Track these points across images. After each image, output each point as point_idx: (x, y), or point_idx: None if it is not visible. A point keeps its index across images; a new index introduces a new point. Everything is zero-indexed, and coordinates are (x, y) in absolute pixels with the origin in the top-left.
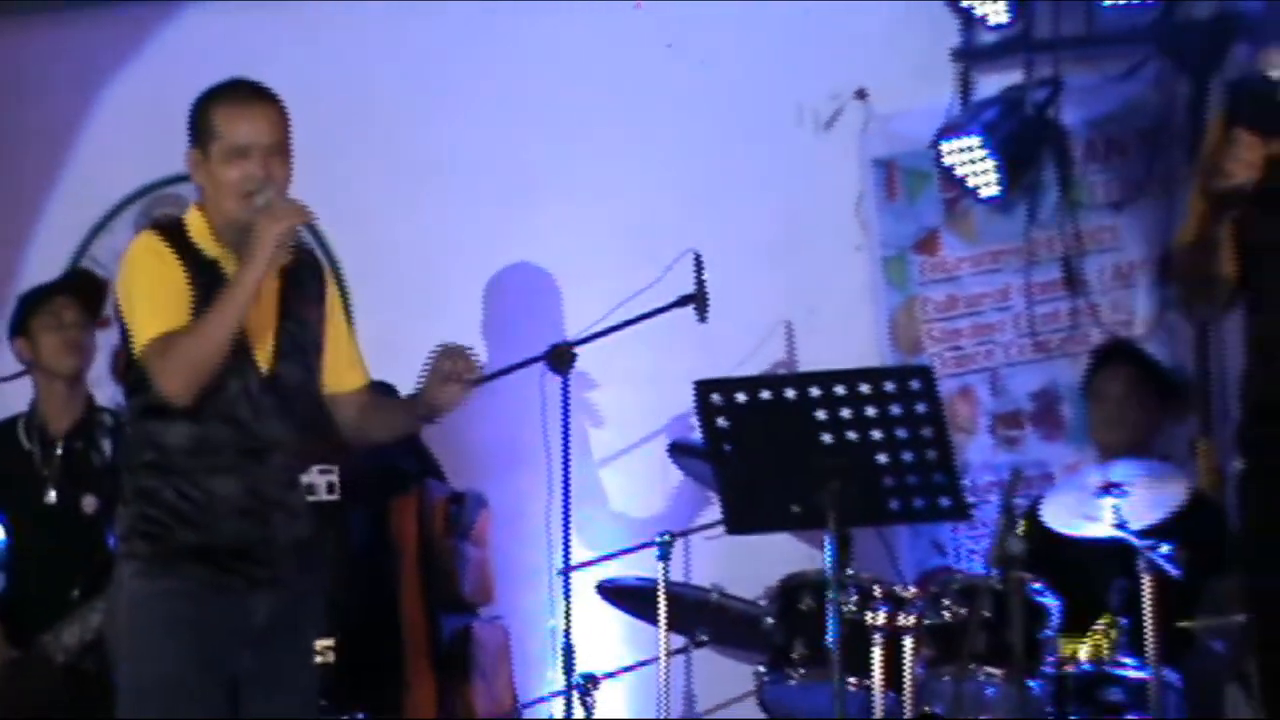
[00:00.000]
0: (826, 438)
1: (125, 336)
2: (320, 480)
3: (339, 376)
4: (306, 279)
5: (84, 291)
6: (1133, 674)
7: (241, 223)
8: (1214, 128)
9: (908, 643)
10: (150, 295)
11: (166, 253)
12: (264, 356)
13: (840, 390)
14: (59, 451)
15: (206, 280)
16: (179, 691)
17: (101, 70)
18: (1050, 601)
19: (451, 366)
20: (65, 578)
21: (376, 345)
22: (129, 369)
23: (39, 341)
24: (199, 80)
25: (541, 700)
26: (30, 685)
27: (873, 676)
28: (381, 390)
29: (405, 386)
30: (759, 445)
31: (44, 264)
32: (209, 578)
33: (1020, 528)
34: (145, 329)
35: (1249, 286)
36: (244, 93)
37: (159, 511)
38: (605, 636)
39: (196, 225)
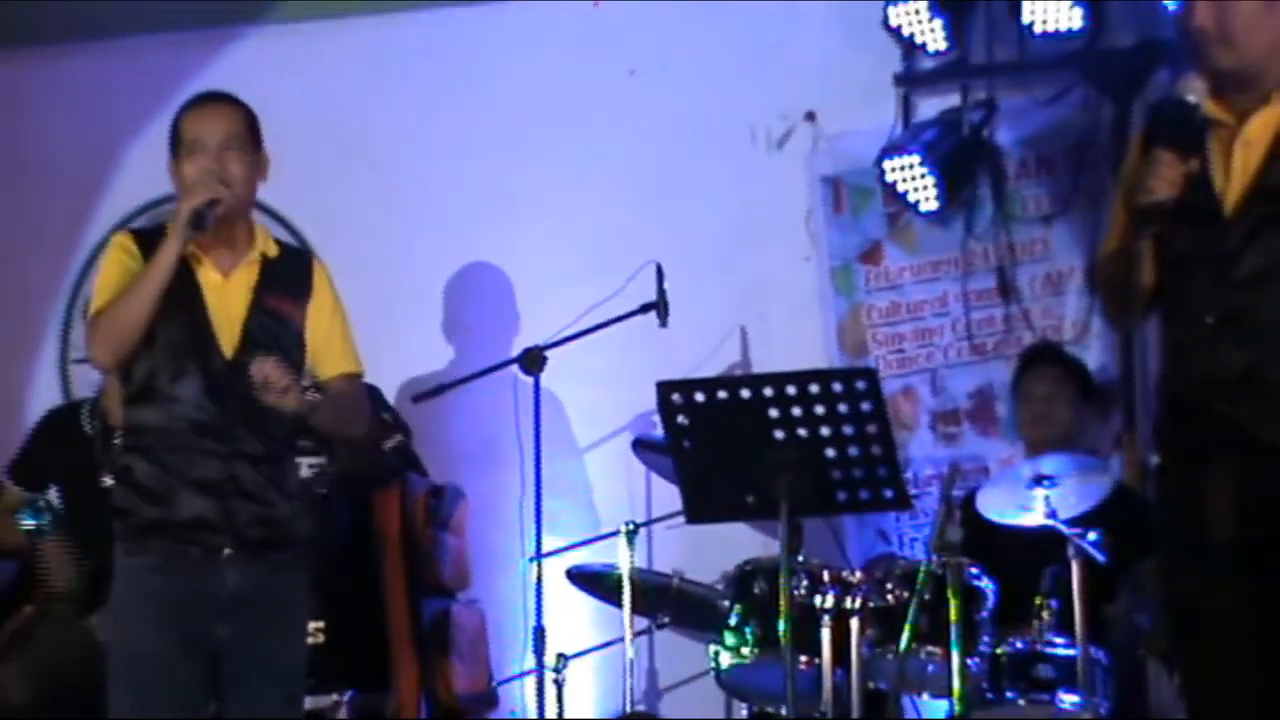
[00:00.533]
0: (778, 434)
1: None
2: (309, 473)
3: (320, 368)
4: (288, 276)
5: None
6: (1063, 652)
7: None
8: (1135, 147)
9: (854, 624)
10: (101, 280)
11: (130, 247)
12: (229, 344)
13: (791, 390)
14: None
15: (177, 276)
16: (146, 662)
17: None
18: (986, 585)
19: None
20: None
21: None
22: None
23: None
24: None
25: (515, 678)
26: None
27: (822, 655)
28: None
29: (386, 386)
30: (716, 441)
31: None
32: (170, 549)
33: (958, 517)
34: (90, 310)
35: (1165, 296)
36: (203, 98)
37: (129, 489)
38: (574, 619)
39: (133, 237)
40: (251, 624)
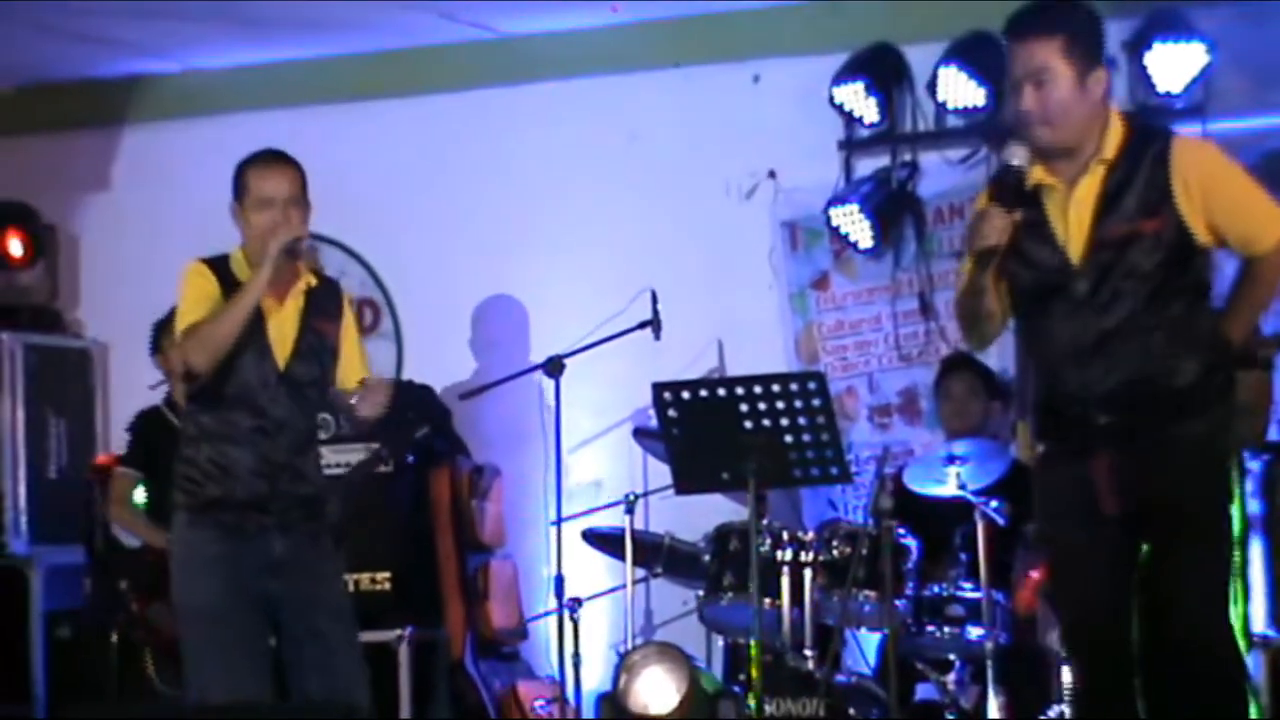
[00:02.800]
0: (748, 424)
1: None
2: (355, 457)
3: (345, 375)
4: (326, 301)
5: None
6: (970, 595)
7: (265, 257)
8: (978, 203)
9: (808, 574)
10: (186, 301)
11: (206, 272)
12: (282, 357)
13: (757, 390)
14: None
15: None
16: (214, 614)
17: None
18: (911, 543)
19: (367, 393)
20: None
21: (416, 356)
22: (186, 370)
23: (173, 358)
24: None
25: (540, 616)
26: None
27: (782, 598)
28: (422, 392)
29: (442, 386)
30: (698, 429)
31: None
32: (229, 521)
33: (890, 489)
34: (180, 324)
35: (1028, 328)
36: (269, 156)
37: (195, 471)
38: (587, 570)
39: (238, 260)
40: (298, 579)
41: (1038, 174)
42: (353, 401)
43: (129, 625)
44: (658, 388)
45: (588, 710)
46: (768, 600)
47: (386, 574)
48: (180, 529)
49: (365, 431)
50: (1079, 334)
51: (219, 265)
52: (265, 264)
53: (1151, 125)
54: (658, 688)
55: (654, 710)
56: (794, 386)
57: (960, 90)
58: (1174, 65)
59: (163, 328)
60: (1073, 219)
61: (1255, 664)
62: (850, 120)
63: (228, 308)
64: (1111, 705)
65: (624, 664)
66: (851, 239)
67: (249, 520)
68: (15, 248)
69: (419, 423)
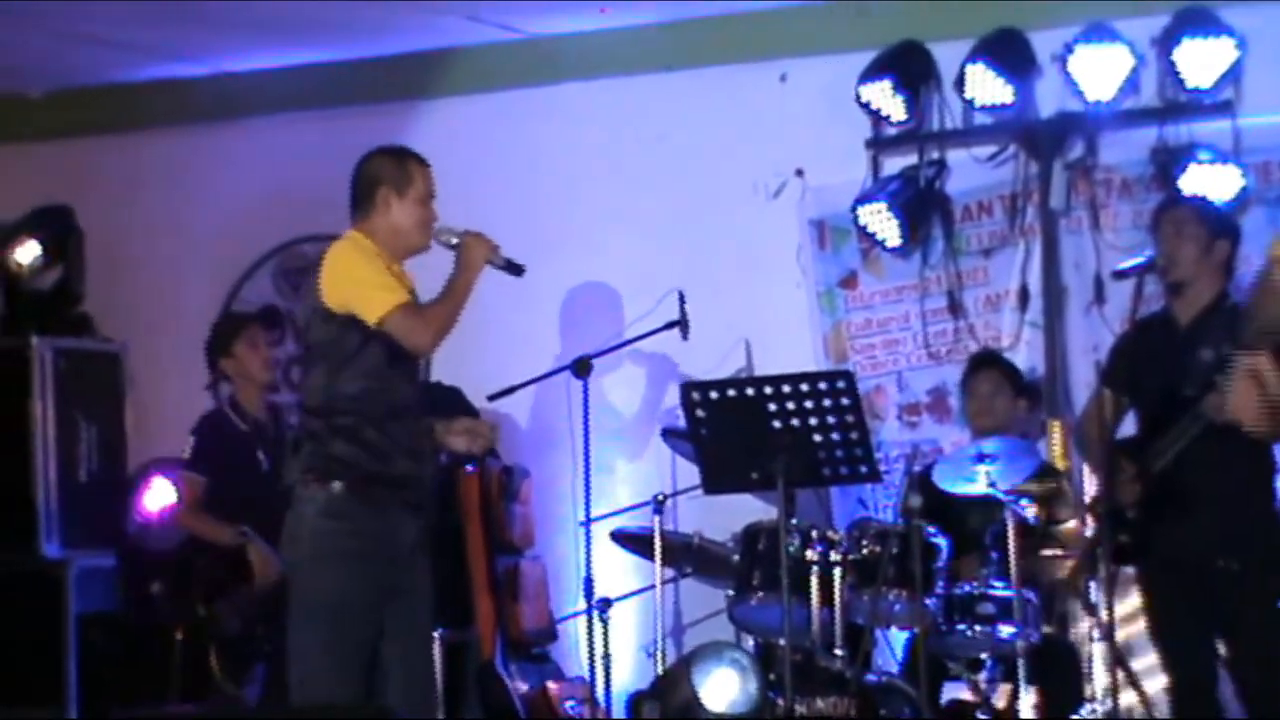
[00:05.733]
0: (776, 424)
1: (323, 317)
2: None
3: None
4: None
5: (271, 321)
6: (1001, 593)
7: (415, 248)
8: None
9: (837, 572)
10: (378, 277)
11: (373, 251)
12: None
13: (786, 389)
14: (269, 432)
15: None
16: (346, 613)
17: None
18: (941, 541)
19: (470, 427)
20: (273, 519)
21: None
22: (323, 342)
23: (245, 359)
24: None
25: (570, 617)
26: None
27: (811, 598)
28: (451, 393)
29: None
30: (727, 429)
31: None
32: (385, 498)
33: (919, 488)
34: (385, 300)
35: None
36: (422, 157)
37: (356, 446)
38: (616, 570)
39: (370, 246)
40: (413, 569)
41: None
42: (452, 435)
43: (192, 625)
44: (686, 388)
45: (618, 710)
46: (797, 600)
47: None
48: (315, 516)
49: None
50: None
51: (368, 245)
52: (474, 263)
53: None
54: (726, 687)
55: (721, 709)
56: (823, 385)
57: (988, 87)
58: (1203, 61)
59: (228, 331)
60: None
61: None
62: (878, 118)
63: (452, 294)
64: None
65: (691, 660)
66: (879, 237)
67: (396, 499)
68: (44, 252)
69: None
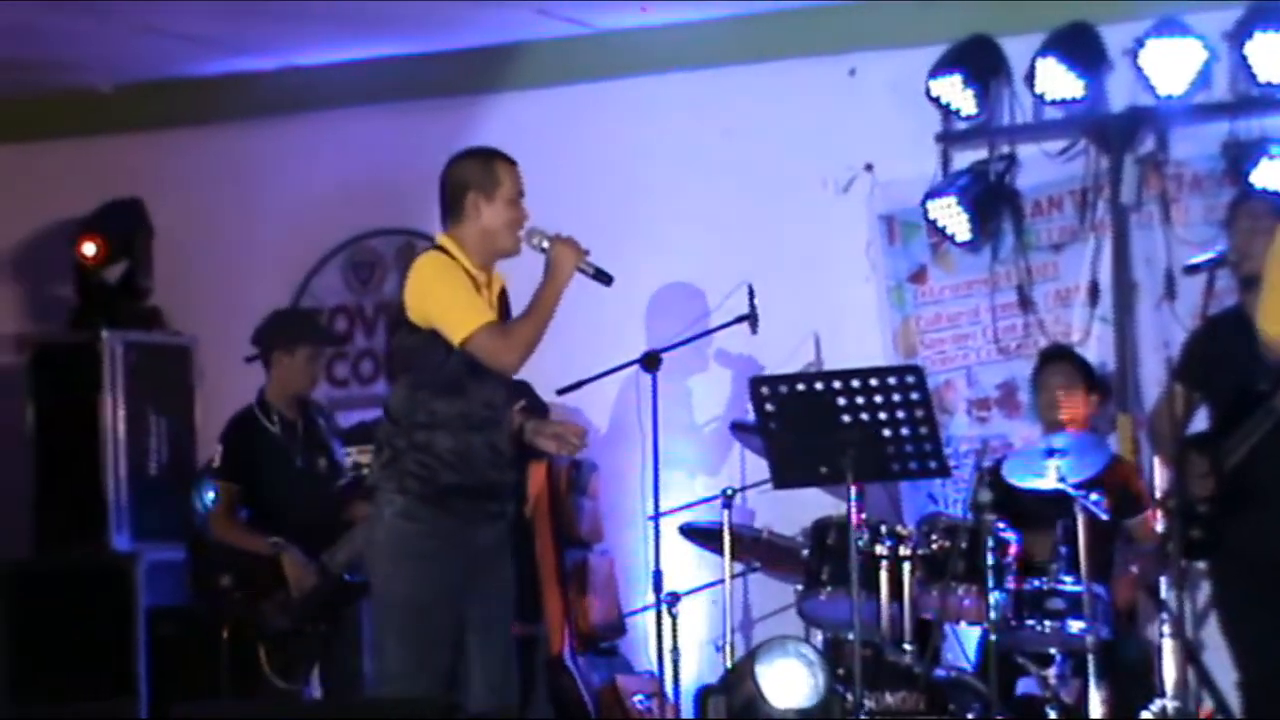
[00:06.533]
0: (845, 418)
1: (407, 328)
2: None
3: None
4: (507, 304)
5: (336, 344)
6: (1071, 588)
7: (507, 251)
8: None
9: (906, 567)
10: (464, 297)
11: (457, 268)
12: None
13: (855, 384)
14: (300, 430)
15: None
16: (422, 610)
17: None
18: (1010, 536)
19: (560, 432)
20: (309, 518)
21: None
22: (406, 353)
23: (297, 367)
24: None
25: (639, 611)
26: (321, 589)
27: (880, 592)
28: (521, 387)
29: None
30: (796, 424)
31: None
32: (463, 509)
33: (989, 482)
34: (469, 320)
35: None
36: (509, 157)
37: (429, 459)
38: (685, 565)
39: (456, 253)
40: (491, 568)
41: None
42: (542, 438)
43: (239, 622)
44: (755, 382)
45: (687, 705)
46: (867, 595)
47: None
48: (393, 517)
49: None
50: None
51: (452, 258)
52: (561, 272)
53: None
54: (792, 682)
55: (787, 705)
56: (892, 380)
57: (1058, 82)
58: (1275, 55)
59: (298, 332)
60: None
61: None
62: (947, 113)
63: (539, 308)
64: None
65: (755, 654)
66: (949, 232)
67: (477, 509)
68: (110, 247)
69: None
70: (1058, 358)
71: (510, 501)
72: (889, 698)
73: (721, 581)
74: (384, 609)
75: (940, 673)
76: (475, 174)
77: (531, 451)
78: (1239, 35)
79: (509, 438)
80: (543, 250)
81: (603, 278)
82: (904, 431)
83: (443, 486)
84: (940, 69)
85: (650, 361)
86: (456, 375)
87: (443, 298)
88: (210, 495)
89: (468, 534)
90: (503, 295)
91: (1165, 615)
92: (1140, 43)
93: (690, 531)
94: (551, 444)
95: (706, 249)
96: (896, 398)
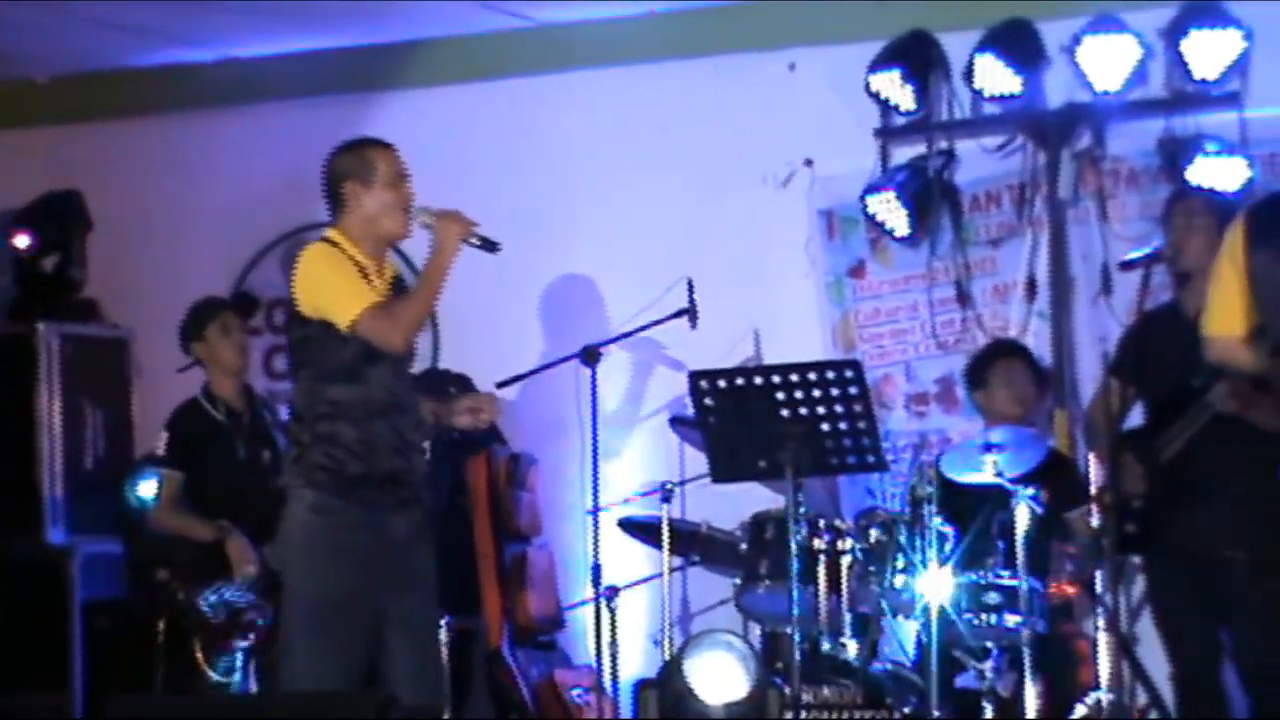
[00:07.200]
0: (784, 413)
1: (299, 321)
2: None
3: None
4: (399, 289)
5: (246, 309)
6: (1008, 582)
7: (394, 234)
8: None
9: (845, 561)
10: (346, 283)
11: (341, 256)
12: None
13: (794, 378)
14: (246, 421)
15: (365, 282)
16: (337, 606)
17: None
18: (948, 530)
19: (471, 405)
20: (252, 510)
21: (451, 344)
22: (302, 346)
23: (215, 345)
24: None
25: (577, 605)
26: (262, 579)
27: (819, 586)
28: (459, 381)
29: (478, 374)
30: (735, 418)
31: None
32: (369, 498)
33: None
34: (353, 305)
35: None
36: (384, 141)
37: (335, 449)
38: (623, 559)
39: (344, 244)
40: (408, 559)
41: None
42: (456, 417)
43: (177, 614)
44: (694, 376)
45: (625, 699)
46: (805, 588)
47: None
48: (304, 512)
49: None
50: None
51: (338, 247)
52: (447, 246)
53: None
54: (721, 676)
55: (716, 699)
56: (831, 375)
57: (996, 78)
58: (1211, 53)
59: (201, 315)
60: None
61: None
62: (886, 108)
63: (423, 288)
64: None
65: (686, 648)
66: (888, 227)
67: (386, 496)
68: (43, 238)
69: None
70: (1016, 351)
71: (422, 488)
72: (827, 691)
73: (660, 575)
74: (297, 605)
75: (878, 666)
76: (350, 164)
77: (463, 437)
78: (1174, 32)
79: (418, 427)
80: (427, 228)
81: (489, 246)
82: (842, 426)
83: (350, 477)
84: (879, 64)
85: (589, 355)
86: (353, 363)
87: (326, 285)
88: (144, 485)
89: (380, 524)
90: (397, 281)
91: (1100, 609)
92: (1077, 39)
93: (629, 525)
94: (466, 418)
95: (646, 244)
96: (835, 392)
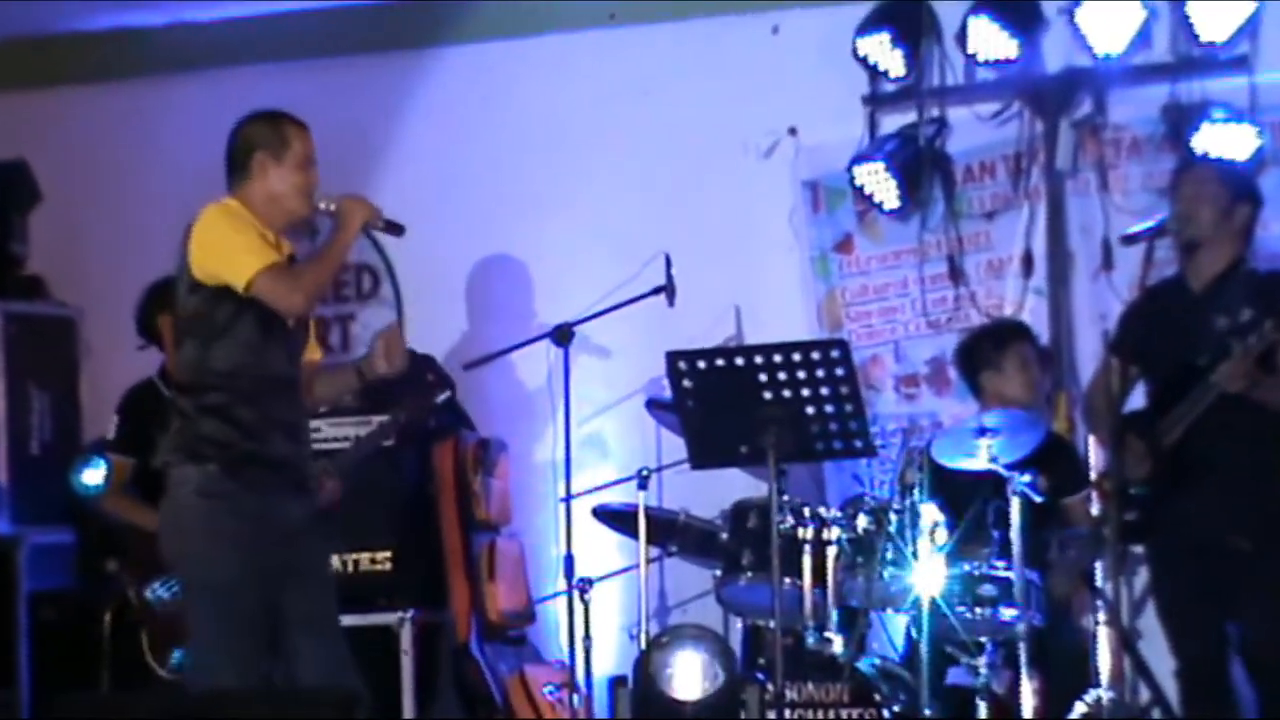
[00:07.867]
0: (767, 395)
1: (191, 287)
2: (352, 431)
3: (311, 347)
4: None
5: None
6: (1003, 574)
7: (296, 214)
8: None
9: (830, 551)
10: (245, 242)
11: (246, 217)
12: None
13: (777, 359)
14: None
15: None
16: (233, 592)
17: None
18: (940, 519)
19: (385, 346)
20: None
21: (417, 324)
22: (194, 315)
23: (166, 329)
24: None
25: (549, 598)
26: None
27: (803, 578)
28: (425, 362)
29: (439, 353)
30: (715, 401)
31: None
32: (266, 480)
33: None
34: (250, 265)
35: None
36: (300, 121)
37: (226, 428)
38: (597, 549)
39: (243, 213)
40: (304, 547)
41: None
42: (375, 361)
43: (123, 606)
44: (672, 357)
45: (599, 695)
46: (788, 580)
47: (387, 553)
48: (190, 496)
49: (379, 399)
50: None
51: (240, 213)
52: (351, 225)
53: None
54: (690, 672)
55: (684, 695)
56: (816, 355)
57: (991, 42)
58: (1218, 14)
59: (158, 294)
60: None
61: None
62: (875, 74)
63: (327, 254)
64: None
65: (654, 645)
66: (876, 199)
67: (280, 480)
68: None
69: (439, 386)
70: (1023, 333)
71: (310, 475)
72: (811, 687)
73: (636, 566)
74: (193, 595)
75: (865, 662)
76: (264, 135)
77: (439, 428)
78: None
79: (307, 413)
80: (330, 213)
81: (394, 229)
82: (828, 409)
83: (241, 454)
84: (867, 27)
85: (562, 335)
86: (248, 336)
87: (226, 244)
88: (90, 471)
89: (275, 509)
90: (293, 260)
91: (1100, 603)
92: (1077, 1)
93: (604, 514)
94: (383, 363)
95: (622, 216)
96: (820, 373)
